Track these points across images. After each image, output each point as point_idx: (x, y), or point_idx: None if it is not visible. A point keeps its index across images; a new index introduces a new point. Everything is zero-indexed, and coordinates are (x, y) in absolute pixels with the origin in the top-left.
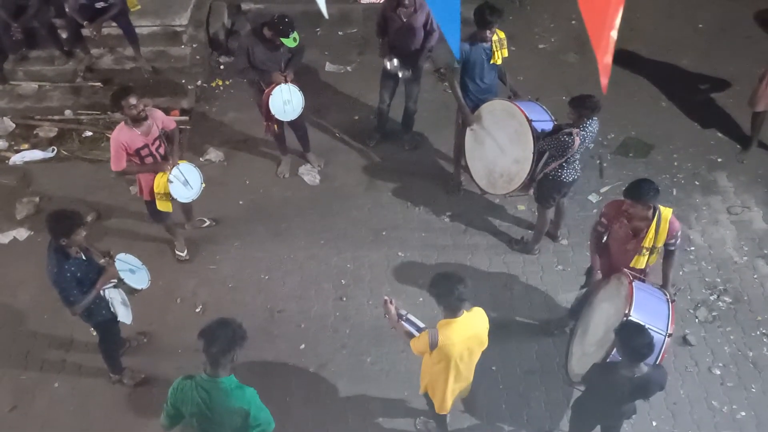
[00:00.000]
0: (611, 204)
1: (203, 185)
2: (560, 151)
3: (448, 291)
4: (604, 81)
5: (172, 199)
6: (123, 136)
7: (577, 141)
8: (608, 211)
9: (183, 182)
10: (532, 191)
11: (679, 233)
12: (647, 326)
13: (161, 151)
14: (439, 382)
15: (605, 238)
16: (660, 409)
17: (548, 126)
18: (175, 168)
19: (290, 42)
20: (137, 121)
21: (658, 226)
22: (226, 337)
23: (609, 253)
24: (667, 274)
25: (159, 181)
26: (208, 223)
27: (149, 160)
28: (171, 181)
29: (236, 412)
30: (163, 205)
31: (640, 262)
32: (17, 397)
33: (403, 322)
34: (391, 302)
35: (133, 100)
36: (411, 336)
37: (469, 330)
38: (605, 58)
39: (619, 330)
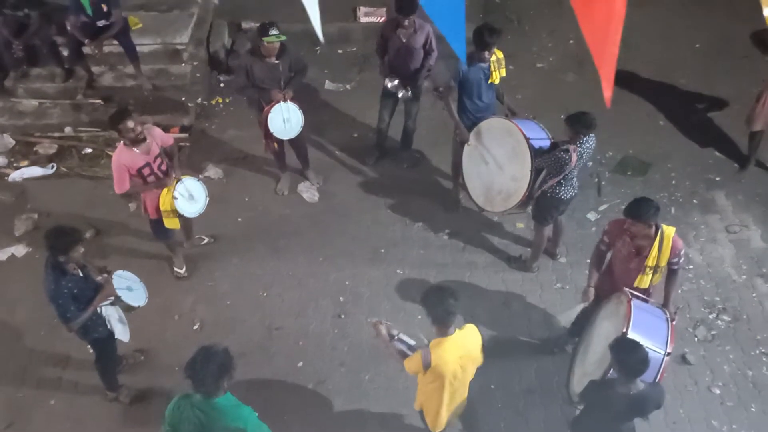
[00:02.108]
0: (614, 222)
1: (208, 199)
2: (557, 168)
3: (438, 302)
4: (607, 94)
5: (179, 215)
6: (124, 158)
7: (574, 157)
8: (611, 230)
9: (188, 197)
10: (529, 209)
11: (682, 252)
12: (646, 346)
13: (163, 168)
14: (433, 401)
15: (608, 257)
16: (659, 428)
17: (545, 144)
18: (179, 184)
19: (272, 39)
20: (136, 142)
21: (661, 244)
22: (212, 374)
23: (612, 272)
24: (669, 293)
25: (164, 199)
26: (206, 240)
27: (152, 178)
28: (176, 198)
29: (233, 431)
30: (170, 222)
31: (644, 281)
32: (13, 414)
33: (395, 342)
34: (380, 323)
35: (130, 124)
36: (404, 355)
37: (462, 348)
38: (608, 72)
39: (614, 346)
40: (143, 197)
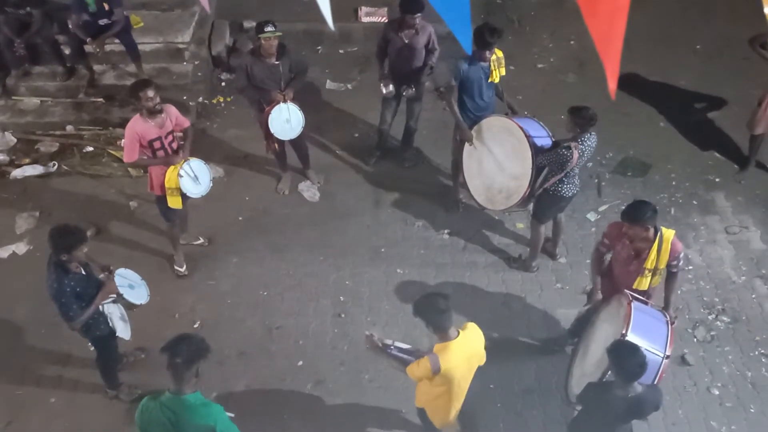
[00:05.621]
0: (613, 225)
1: (212, 182)
2: (559, 165)
3: (428, 305)
4: (612, 86)
5: (182, 195)
6: (138, 127)
7: (576, 154)
8: (610, 232)
9: (193, 178)
10: (530, 206)
11: (681, 255)
12: (645, 348)
13: (174, 145)
14: (441, 403)
15: (608, 259)
16: (658, 429)
17: (546, 142)
18: (185, 164)
19: (268, 34)
20: (152, 113)
21: (660, 247)
22: (189, 350)
23: (612, 274)
24: (668, 295)
25: (170, 176)
26: (201, 241)
27: (161, 153)
28: (181, 176)
29: (203, 429)
30: (173, 201)
31: (643, 283)
32: (13, 412)
33: (391, 350)
34: (373, 336)
35: (150, 93)
36: (404, 362)
37: (468, 349)
38: (613, 63)
39: (611, 349)
40: (150, 172)
